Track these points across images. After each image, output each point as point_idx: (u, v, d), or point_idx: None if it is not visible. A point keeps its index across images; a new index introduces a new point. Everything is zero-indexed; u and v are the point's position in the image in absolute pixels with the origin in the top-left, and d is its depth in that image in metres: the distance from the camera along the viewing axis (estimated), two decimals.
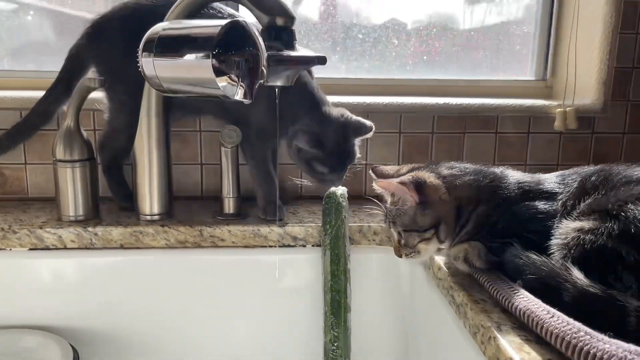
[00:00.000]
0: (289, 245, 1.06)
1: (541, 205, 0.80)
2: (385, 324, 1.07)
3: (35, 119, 1.09)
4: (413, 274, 1.01)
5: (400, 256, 0.86)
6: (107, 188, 1.15)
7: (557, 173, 0.85)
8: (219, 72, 0.71)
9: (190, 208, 1.15)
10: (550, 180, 0.84)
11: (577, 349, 0.55)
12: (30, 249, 1.03)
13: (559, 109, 1.24)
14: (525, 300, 0.66)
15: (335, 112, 1.04)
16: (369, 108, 1.22)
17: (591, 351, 0.54)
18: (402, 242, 0.84)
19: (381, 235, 1.07)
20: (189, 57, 0.73)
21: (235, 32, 0.71)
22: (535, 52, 1.40)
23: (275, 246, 1.06)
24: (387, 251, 1.07)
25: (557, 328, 0.59)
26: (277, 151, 1.12)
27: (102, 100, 1.10)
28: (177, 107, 1.07)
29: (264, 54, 0.72)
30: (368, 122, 1.05)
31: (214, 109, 1.11)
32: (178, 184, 1.22)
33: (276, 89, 0.90)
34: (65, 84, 1.06)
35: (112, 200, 1.16)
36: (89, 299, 1.04)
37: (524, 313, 0.65)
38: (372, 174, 0.91)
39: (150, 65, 0.77)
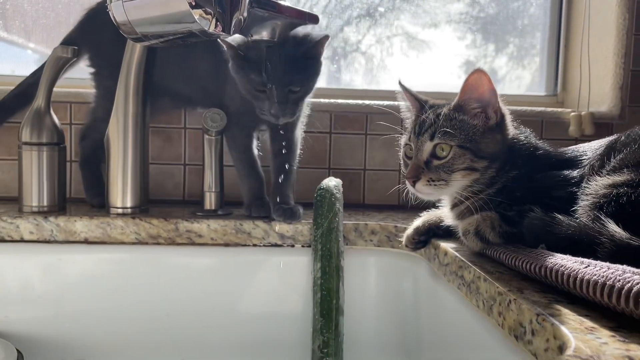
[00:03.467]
0: (275, 245, 0.94)
1: (566, 171, 0.69)
2: (383, 330, 0.92)
3: (12, 100, 1.01)
4: (415, 273, 0.88)
5: (416, 180, 0.69)
6: (80, 187, 1.05)
7: (585, 144, 0.75)
8: (193, 3, 0.63)
9: (169, 208, 1.03)
10: (577, 147, 0.74)
11: (625, 293, 0.42)
12: None
13: (574, 113, 1.15)
14: (552, 258, 0.54)
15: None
16: (368, 109, 1.13)
17: None
18: (434, 163, 0.70)
19: (379, 235, 0.94)
20: None
21: None
22: (545, 66, 1.33)
23: (259, 245, 0.94)
24: (387, 254, 0.95)
25: (595, 274, 0.46)
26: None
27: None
28: (163, 91, 0.99)
29: None
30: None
31: (201, 96, 1.02)
32: (158, 185, 1.12)
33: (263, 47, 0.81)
34: None
35: (83, 201, 1.05)
36: (45, 300, 0.91)
37: (550, 269, 0.52)
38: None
39: (120, 9, 0.70)
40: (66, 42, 1.00)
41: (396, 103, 1.15)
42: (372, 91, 1.27)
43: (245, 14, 0.67)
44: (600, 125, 1.15)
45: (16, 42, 1.32)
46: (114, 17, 0.71)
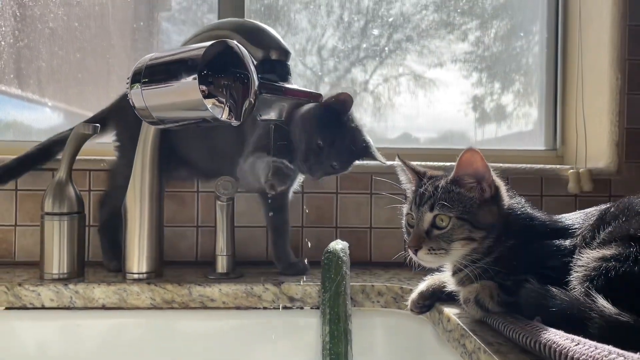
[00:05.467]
0: (285, 307, 0.97)
1: (560, 241, 0.72)
2: None
3: (36, 153, 1.09)
4: (421, 335, 0.90)
5: (418, 248, 0.73)
6: (97, 251, 1.10)
7: (578, 212, 0.79)
8: (206, 93, 0.68)
9: (182, 270, 1.07)
10: (570, 217, 0.77)
11: None
12: (7, 308, 0.95)
13: (572, 170, 1.18)
14: (546, 333, 0.57)
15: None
16: (373, 168, 1.18)
17: None
18: (435, 233, 0.74)
19: (386, 297, 0.98)
20: (176, 81, 0.71)
21: (224, 53, 0.69)
22: (543, 122, 1.38)
23: (269, 308, 0.97)
24: (393, 315, 0.97)
25: (584, 354, 0.49)
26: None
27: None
28: (183, 164, 1.08)
29: (255, 74, 0.70)
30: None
31: (225, 168, 1.06)
32: (172, 247, 1.16)
33: (271, 126, 0.87)
34: None
35: (101, 264, 1.10)
36: None
37: (544, 345, 0.55)
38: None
39: (139, 96, 0.76)
40: (97, 119, 1.09)
41: (399, 163, 1.20)
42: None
43: (254, 100, 0.72)
44: (598, 182, 1.19)
45: (31, 99, 1.39)
46: (132, 102, 0.76)
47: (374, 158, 1.02)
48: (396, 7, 1.40)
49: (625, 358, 0.46)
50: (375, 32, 1.39)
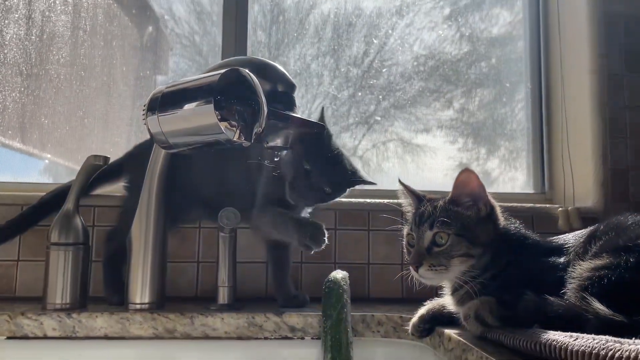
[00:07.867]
0: (286, 337, 0.98)
1: (555, 258, 0.76)
2: None
3: (52, 198, 1.11)
4: None
5: (419, 265, 0.77)
6: (98, 286, 1.11)
7: (570, 233, 0.83)
8: (221, 117, 0.73)
9: (184, 304, 1.08)
10: (562, 237, 0.82)
11: (609, 357, 0.48)
12: (8, 338, 0.95)
13: (561, 209, 1.23)
14: (546, 335, 0.60)
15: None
16: (369, 206, 1.22)
17: (624, 355, 0.47)
18: (435, 250, 0.77)
19: (386, 326, 0.99)
20: (192, 106, 0.76)
21: (236, 80, 0.75)
22: (531, 166, 1.44)
23: (270, 338, 0.98)
24: (394, 344, 0.98)
25: (583, 345, 0.52)
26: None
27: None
28: (198, 203, 1.11)
29: (264, 101, 0.75)
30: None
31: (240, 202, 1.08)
32: (172, 283, 1.17)
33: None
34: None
35: (102, 299, 1.10)
36: None
37: (545, 344, 0.57)
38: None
39: (155, 122, 0.81)
40: (112, 165, 1.12)
41: (394, 201, 1.24)
42: (371, 190, 1.36)
43: (263, 125, 0.77)
44: (587, 220, 1.23)
45: (32, 153, 1.43)
46: (149, 129, 0.81)
47: (364, 181, 1.04)
48: (384, 76, 1.47)
49: (621, 344, 0.49)
50: (367, 96, 1.46)
